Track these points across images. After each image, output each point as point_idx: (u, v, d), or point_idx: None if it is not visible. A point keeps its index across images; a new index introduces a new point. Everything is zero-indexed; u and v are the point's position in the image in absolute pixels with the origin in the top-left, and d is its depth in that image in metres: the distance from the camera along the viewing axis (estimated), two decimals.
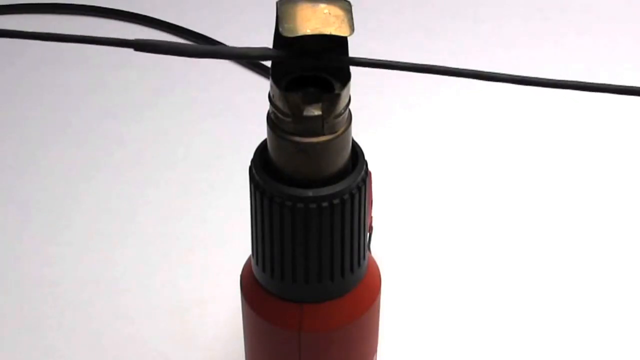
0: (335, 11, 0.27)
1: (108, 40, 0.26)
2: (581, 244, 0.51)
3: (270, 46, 0.28)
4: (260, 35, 0.58)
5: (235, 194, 0.52)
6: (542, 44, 0.64)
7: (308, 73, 0.28)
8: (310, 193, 0.29)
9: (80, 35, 0.26)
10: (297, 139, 0.28)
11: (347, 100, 0.28)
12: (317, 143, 0.28)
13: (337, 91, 0.28)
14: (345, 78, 0.28)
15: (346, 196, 0.29)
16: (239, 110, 0.59)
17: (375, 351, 0.35)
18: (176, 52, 0.26)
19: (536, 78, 0.26)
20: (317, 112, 0.28)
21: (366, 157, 0.30)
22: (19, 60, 0.63)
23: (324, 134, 0.28)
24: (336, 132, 0.28)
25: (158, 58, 0.65)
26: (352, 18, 0.27)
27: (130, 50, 0.60)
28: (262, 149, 0.30)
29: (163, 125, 0.58)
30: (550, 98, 0.59)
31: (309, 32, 0.26)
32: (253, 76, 0.61)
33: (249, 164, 0.30)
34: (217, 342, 0.46)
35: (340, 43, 0.27)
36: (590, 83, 0.26)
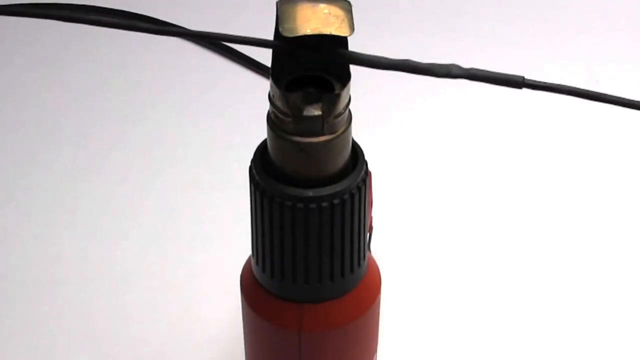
0: (335, 11, 0.27)
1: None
2: (580, 244, 0.51)
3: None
4: (260, 36, 0.58)
5: (235, 194, 0.52)
6: (542, 44, 0.64)
7: (308, 73, 0.28)
8: (310, 193, 0.29)
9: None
10: (297, 139, 0.28)
11: (347, 100, 0.28)
12: (317, 143, 0.28)
13: (337, 91, 0.28)
14: (345, 78, 0.28)
15: (346, 196, 0.29)
16: (239, 110, 0.59)
17: (376, 351, 0.35)
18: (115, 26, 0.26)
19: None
20: (317, 112, 0.28)
21: (366, 157, 0.30)
22: (19, 60, 0.63)
23: (324, 134, 0.28)
24: (336, 132, 0.28)
25: (158, 58, 0.64)
26: (352, 18, 0.27)
27: (130, 51, 0.60)
28: (262, 149, 0.30)
29: (163, 125, 0.58)
30: (549, 99, 0.59)
31: (309, 32, 0.26)
32: (253, 76, 0.61)
33: (249, 164, 0.30)
34: (217, 342, 0.46)
35: (340, 43, 0.27)
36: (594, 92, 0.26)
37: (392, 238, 0.50)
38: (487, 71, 0.26)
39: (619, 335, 0.46)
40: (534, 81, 0.26)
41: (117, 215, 0.52)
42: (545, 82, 0.26)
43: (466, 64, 0.27)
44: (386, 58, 0.27)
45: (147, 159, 0.56)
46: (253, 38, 0.27)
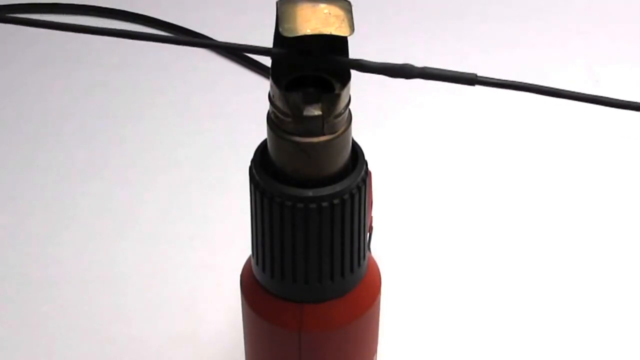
0: (335, 11, 0.27)
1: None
2: (579, 244, 0.51)
3: (271, 46, 0.28)
4: (260, 35, 0.58)
5: (235, 194, 0.52)
6: (542, 44, 0.64)
7: (308, 73, 0.28)
8: (310, 193, 0.29)
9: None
10: (297, 139, 0.28)
11: (347, 100, 0.28)
12: (317, 143, 0.28)
13: (337, 91, 0.28)
14: (345, 78, 0.28)
15: (346, 196, 0.29)
16: (239, 110, 0.59)
17: (376, 351, 0.35)
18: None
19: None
20: (317, 112, 0.28)
21: (366, 157, 0.30)
22: (19, 60, 0.63)
23: (324, 134, 0.28)
24: (336, 132, 0.28)
25: (158, 58, 0.65)
26: (352, 18, 0.27)
27: (130, 51, 0.60)
28: (262, 149, 0.30)
29: (163, 125, 0.58)
30: (548, 100, 0.59)
31: (309, 32, 0.26)
32: (253, 76, 0.61)
33: (249, 164, 0.30)
34: (217, 342, 0.46)
35: (340, 43, 0.27)
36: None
37: (392, 238, 0.50)
38: (440, 69, 0.26)
39: (619, 335, 0.46)
40: (486, 78, 0.26)
41: (117, 215, 0.52)
42: (497, 79, 0.26)
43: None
44: (341, 58, 0.27)
45: (146, 159, 0.56)
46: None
